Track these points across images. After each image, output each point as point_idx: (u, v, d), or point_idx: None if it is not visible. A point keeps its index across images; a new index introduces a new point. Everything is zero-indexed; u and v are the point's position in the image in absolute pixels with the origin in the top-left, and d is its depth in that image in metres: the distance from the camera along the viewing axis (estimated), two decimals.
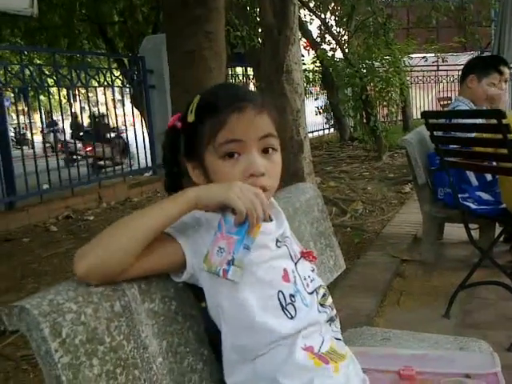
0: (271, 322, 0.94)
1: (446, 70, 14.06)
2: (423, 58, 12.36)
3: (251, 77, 9.56)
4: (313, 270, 1.06)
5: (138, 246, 0.87)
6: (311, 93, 12.15)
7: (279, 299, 0.95)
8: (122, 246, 0.86)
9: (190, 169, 1.03)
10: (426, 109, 13.08)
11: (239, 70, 9.89)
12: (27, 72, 5.43)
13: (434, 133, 2.59)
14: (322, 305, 1.02)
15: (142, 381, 0.87)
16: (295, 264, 1.02)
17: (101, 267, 0.85)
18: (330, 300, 1.06)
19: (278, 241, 1.02)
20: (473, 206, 2.81)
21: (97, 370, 0.81)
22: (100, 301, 0.85)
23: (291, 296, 0.96)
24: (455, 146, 2.72)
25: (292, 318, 0.95)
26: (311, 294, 1.01)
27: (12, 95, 7.09)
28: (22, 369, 2.32)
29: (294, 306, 0.96)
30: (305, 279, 1.01)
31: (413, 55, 9.90)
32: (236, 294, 0.93)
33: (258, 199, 0.91)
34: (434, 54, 12.41)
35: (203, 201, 0.92)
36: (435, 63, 13.45)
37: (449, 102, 11.12)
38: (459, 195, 2.66)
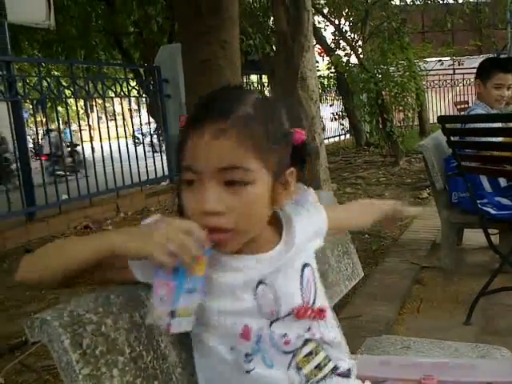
0: (228, 372, 0.87)
1: (463, 74, 13.94)
2: (439, 61, 12.28)
3: (266, 84, 9.59)
4: (309, 329, 0.89)
5: (57, 274, 0.81)
6: (326, 99, 12.15)
7: (232, 354, 0.86)
8: (47, 268, 0.82)
9: None
10: (443, 113, 12.99)
11: (254, 77, 9.92)
12: (45, 84, 5.50)
13: (451, 138, 2.57)
14: (299, 368, 0.87)
15: None
16: (271, 322, 0.86)
17: (32, 280, 0.85)
18: (313, 364, 0.88)
19: (260, 282, 0.86)
20: (492, 211, 2.78)
21: (117, 380, 0.81)
22: (120, 311, 0.85)
23: (247, 355, 0.85)
24: (471, 151, 2.70)
25: (249, 372, 0.85)
26: (288, 353, 0.86)
27: (30, 107, 7.19)
28: (43, 379, 2.31)
29: (250, 363, 0.85)
30: (283, 337, 0.86)
31: (428, 59, 9.83)
32: (202, 341, 0.88)
33: (190, 237, 0.76)
34: (449, 58, 12.32)
35: (120, 251, 0.78)
36: (451, 67, 13.35)
37: (465, 105, 11.01)
38: (478, 201, 2.63)
